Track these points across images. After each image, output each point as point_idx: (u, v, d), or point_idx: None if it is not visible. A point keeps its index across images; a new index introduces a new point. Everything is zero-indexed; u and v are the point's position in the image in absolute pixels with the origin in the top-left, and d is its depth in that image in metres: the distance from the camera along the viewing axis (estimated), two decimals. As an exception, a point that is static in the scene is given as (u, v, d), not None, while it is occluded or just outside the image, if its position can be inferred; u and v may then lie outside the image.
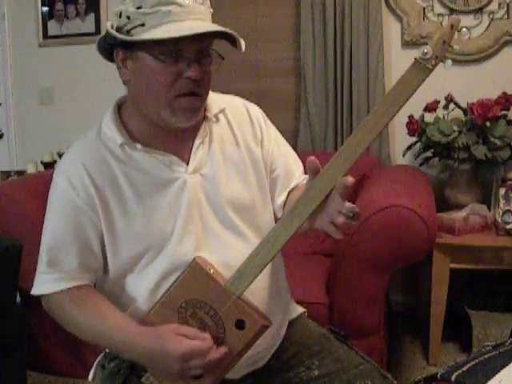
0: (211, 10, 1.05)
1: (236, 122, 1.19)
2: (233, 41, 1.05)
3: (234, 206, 1.13)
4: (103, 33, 1.05)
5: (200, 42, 1.02)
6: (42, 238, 1.12)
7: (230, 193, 1.13)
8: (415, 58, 0.91)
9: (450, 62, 0.92)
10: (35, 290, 1.12)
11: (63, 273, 1.09)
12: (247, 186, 1.16)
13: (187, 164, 1.11)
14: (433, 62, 0.90)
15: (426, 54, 0.89)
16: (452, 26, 0.90)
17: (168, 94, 1.03)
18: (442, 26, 0.93)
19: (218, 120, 1.16)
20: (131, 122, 1.12)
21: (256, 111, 1.24)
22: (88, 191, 1.07)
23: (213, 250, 1.10)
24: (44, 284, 1.11)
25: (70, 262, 1.09)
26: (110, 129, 1.10)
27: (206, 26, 1.01)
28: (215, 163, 1.13)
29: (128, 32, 1.01)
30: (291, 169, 1.23)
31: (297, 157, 1.28)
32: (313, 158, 0.93)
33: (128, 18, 1.00)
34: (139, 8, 1.00)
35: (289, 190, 1.21)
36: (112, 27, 1.03)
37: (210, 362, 0.99)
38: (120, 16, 1.02)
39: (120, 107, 1.15)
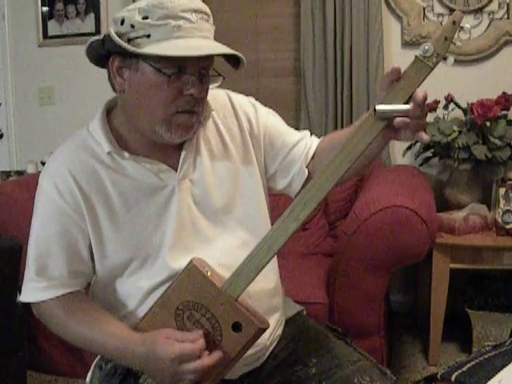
0: (214, 27, 1.05)
1: (222, 120, 1.17)
2: (232, 59, 1.05)
3: (225, 209, 1.12)
4: (104, 33, 1.03)
5: (205, 61, 1.03)
6: (29, 245, 1.10)
7: (221, 196, 1.12)
8: (416, 56, 0.88)
9: (452, 59, 0.88)
10: (23, 298, 1.11)
11: (52, 280, 1.08)
12: (238, 187, 1.14)
13: (176, 171, 1.10)
14: (434, 60, 0.87)
15: (426, 51, 0.87)
16: (454, 22, 0.87)
17: (167, 109, 1.02)
18: (444, 23, 0.91)
19: (205, 123, 1.14)
20: (121, 128, 1.10)
21: (241, 102, 1.21)
22: (75, 197, 1.06)
23: (208, 254, 1.08)
24: (33, 292, 1.09)
25: (59, 269, 1.08)
26: (98, 135, 1.09)
27: (215, 45, 1.02)
28: (204, 168, 1.12)
29: (129, 41, 0.99)
30: (292, 158, 1.20)
31: (295, 136, 1.24)
32: (397, 67, 0.90)
33: (132, 26, 0.99)
34: (145, 18, 0.98)
35: (290, 176, 1.19)
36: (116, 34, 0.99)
37: (203, 368, 0.96)
38: (122, 23, 1.00)
39: (109, 111, 1.13)
